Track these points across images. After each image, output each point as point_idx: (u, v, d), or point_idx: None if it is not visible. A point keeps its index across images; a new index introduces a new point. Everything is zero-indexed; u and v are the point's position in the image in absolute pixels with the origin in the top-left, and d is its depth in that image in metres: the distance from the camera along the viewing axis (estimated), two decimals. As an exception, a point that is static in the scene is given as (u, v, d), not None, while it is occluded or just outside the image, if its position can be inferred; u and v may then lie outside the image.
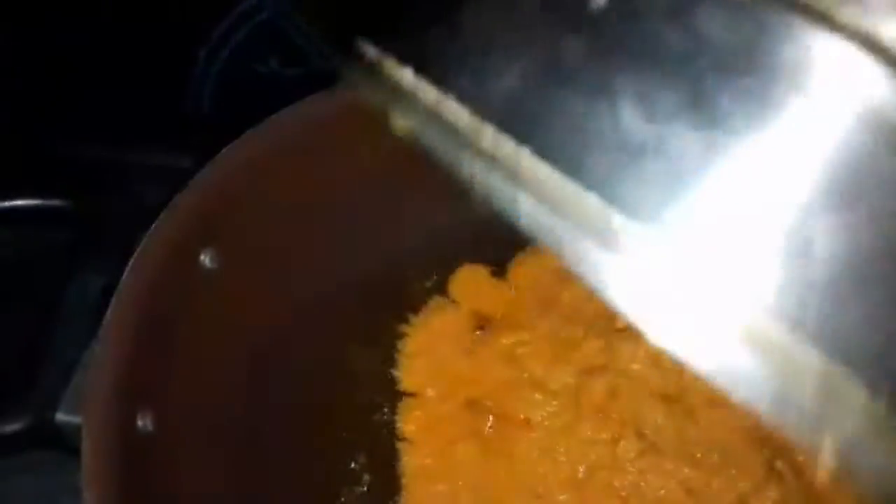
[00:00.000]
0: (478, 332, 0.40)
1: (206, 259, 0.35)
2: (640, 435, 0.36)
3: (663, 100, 0.15)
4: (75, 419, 0.31)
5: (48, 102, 0.49)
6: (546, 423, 0.37)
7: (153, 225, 0.33)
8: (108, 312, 0.31)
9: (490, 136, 0.15)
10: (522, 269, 0.42)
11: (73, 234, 0.36)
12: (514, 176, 0.15)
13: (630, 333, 0.39)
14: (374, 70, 0.17)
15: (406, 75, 0.16)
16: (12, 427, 0.31)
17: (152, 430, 0.31)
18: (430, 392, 0.38)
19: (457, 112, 0.16)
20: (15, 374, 0.33)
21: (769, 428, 0.16)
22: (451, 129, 0.16)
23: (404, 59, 0.16)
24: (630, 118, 0.15)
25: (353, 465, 0.36)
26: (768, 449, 0.35)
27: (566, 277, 0.42)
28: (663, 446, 0.36)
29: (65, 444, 0.32)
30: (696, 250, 0.15)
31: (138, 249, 0.33)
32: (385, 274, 0.41)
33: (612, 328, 0.39)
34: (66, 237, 0.36)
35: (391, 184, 0.40)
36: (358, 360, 0.39)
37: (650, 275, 0.15)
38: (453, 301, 0.42)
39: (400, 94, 0.16)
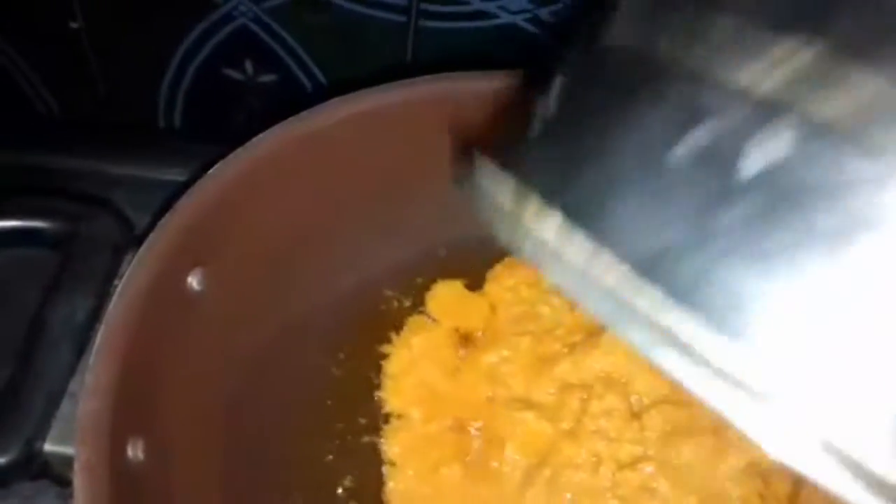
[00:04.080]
0: (461, 352, 0.41)
1: (193, 282, 0.34)
2: (617, 459, 0.37)
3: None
4: (64, 450, 0.31)
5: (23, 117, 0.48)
6: (529, 444, 0.37)
7: (140, 248, 0.33)
8: (97, 339, 0.31)
9: (651, 297, 0.15)
10: (499, 282, 0.43)
11: (56, 256, 0.35)
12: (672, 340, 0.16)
13: (601, 347, 0.40)
14: (514, 216, 0.17)
15: (552, 225, 0.16)
16: (-2, 460, 0.30)
17: (143, 459, 0.31)
18: (415, 413, 0.38)
19: (610, 269, 0.16)
20: (-1, 403, 0.32)
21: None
22: (604, 288, 0.16)
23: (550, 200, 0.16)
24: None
25: (339, 490, 0.36)
26: (758, 478, 0.36)
27: (542, 289, 0.43)
28: (642, 467, 0.37)
29: (53, 474, 0.32)
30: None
31: (126, 274, 0.32)
32: (364, 294, 0.41)
33: (588, 342, 0.40)
34: (49, 260, 0.35)
35: (369, 203, 0.41)
36: (342, 382, 0.39)
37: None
38: (433, 319, 0.42)
39: (546, 249, 0.16)
